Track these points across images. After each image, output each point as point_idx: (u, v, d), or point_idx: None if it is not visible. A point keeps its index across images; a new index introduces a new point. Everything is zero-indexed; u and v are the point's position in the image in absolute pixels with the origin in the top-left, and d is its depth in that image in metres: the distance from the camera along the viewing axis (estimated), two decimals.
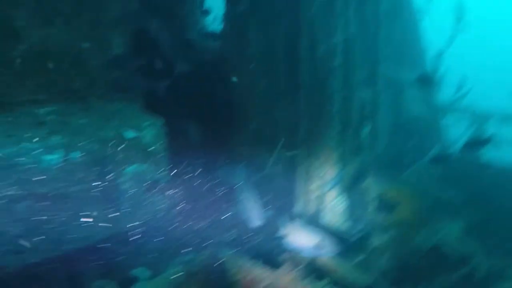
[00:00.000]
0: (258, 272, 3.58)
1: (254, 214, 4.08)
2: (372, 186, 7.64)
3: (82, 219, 3.79)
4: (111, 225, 3.96)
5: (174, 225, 4.35)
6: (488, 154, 9.36)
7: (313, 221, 6.32)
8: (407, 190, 7.53)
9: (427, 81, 6.68)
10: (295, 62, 6.41)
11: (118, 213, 4.05)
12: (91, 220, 3.90)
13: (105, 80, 4.77)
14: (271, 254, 4.90)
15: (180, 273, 3.59)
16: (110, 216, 3.99)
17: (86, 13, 4.53)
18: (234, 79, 6.53)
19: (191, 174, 4.91)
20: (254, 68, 6.59)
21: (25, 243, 3.49)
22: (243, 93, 6.68)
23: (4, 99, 4.11)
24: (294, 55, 6.39)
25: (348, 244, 5.58)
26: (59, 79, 4.50)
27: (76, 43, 4.54)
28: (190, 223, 4.49)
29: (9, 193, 3.50)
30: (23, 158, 3.59)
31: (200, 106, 6.32)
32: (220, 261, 3.75)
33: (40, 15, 4.28)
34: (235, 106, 6.63)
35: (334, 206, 6.47)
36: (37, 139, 3.73)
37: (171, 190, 4.51)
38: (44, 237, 3.60)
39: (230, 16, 6.73)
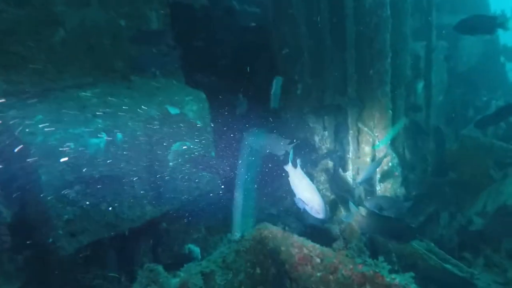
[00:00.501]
0: (310, 248, 3.46)
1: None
2: (428, 146, 7.25)
3: (131, 200, 3.81)
4: (160, 205, 3.97)
5: (223, 202, 4.31)
6: None
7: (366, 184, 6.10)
8: (468, 147, 7.06)
9: (488, 27, 5.97)
10: (341, 17, 6.00)
11: (166, 192, 4.06)
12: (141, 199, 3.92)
13: (144, 56, 4.66)
14: (323, 230, 4.78)
15: (231, 251, 3.55)
16: (158, 195, 4.00)
17: None
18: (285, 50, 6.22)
19: (237, 149, 4.81)
20: (298, 30, 6.24)
21: (78, 226, 3.57)
22: (288, 59, 6.40)
23: (49, 85, 4.12)
24: (339, 10, 5.99)
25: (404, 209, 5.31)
26: (101, 60, 4.46)
27: (114, 21, 4.44)
28: (239, 200, 4.43)
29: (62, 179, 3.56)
30: (71, 143, 3.61)
31: (243, 75, 6.14)
32: (269, 237, 3.66)
33: None
34: (280, 73, 6.39)
35: (388, 169, 6.18)
36: (82, 123, 3.74)
37: (218, 166, 4.44)
38: (97, 219, 3.67)
39: None
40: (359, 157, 6.18)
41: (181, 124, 4.20)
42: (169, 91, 4.39)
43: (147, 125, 3.98)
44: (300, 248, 3.45)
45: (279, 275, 3.52)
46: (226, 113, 5.00)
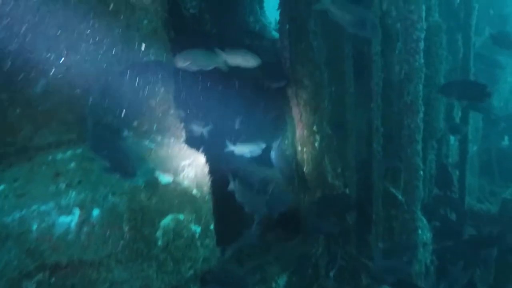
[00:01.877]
0: None
1: None
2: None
3: None
4: None
5: None
6: None
7: None
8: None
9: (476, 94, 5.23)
10: (367, 63, 5.28)
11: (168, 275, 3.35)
12: None
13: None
14: None
15: None
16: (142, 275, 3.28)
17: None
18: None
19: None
20: (317, 73, 5.53)
21: None
22: (306, 105, 5.70)
23: (24, 143, 3.50)
24: (365, 54, 5.28)
25: None
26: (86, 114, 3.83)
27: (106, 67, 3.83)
28: None
29: (19, 267, 2.89)
30: (35, 223, 2.95)
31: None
32: None
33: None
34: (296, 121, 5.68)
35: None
36: (52, 196, 3.08)
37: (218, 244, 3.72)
38: None
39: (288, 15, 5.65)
40: None
41: (173, 194, 3.50)
42: (163, 154, 3.72)
43: (132, 198, 3.29)
44: None
45: None
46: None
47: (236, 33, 8.42)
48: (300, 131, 5.66)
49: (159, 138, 3.98)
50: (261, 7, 9.93)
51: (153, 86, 4.07)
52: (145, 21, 3.96)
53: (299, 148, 5.76)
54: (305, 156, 5.78)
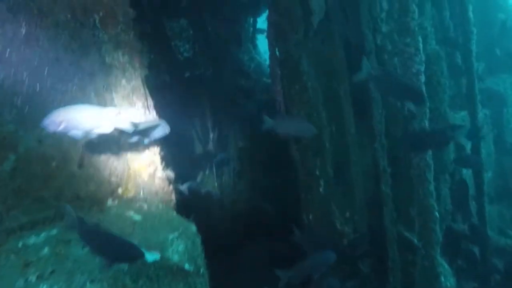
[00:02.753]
0: None
1: None
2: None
3: None
4: None
5: None
6: None
7: None
8: None
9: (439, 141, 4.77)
10: (366, 101, 4.92)
11: None
12: None
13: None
14: None
15: None
16: None
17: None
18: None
19: None
20: (315, 115, 5.15)
21: None
22: (306, 150, 5.28)
23: None
24: (364, 93, 4.92)
25: None
26: (65, 186, 3.44)
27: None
28: None
29: None
30: None
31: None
32: None
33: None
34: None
35: None
36: None
37: None
38: None
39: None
40: None
41: (162, 273, 3.05)
42: (149, 226, 3.29)
43: (114, 284, 2.84)
44: None
45: None
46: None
47: (231, 74, 8.17)
48: (302, 177, 5.23)
49: (145, 207, 3.57)
50: (254, 46, 9.73)
51: (136, 147, 3.70)
52: (123, 81, 3.62)
53: (303, 195, 5.31)
54: (309, 203, 5.33)
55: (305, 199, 5.29)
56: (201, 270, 3.29)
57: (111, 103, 3.55)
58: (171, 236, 3.21)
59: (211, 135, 7.14)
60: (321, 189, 5.25)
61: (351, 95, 4.98)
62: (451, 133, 4.29)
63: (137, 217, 3.37)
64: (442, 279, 4.65)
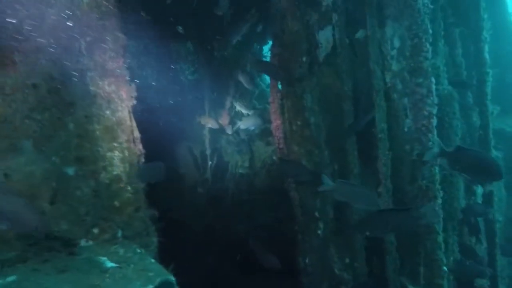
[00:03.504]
0: None
1: None
2: None
3: None
4: None
5: None
6: None
7: None
8: None
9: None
10: (371, 141, 4.53)
11: None
12: None
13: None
14: None
15: None
16: None
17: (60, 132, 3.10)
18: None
19: None
20: (317, 153, 4.76)
21: None
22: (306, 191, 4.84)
23: None
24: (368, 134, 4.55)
25: None
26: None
27: (58, 168, 3.10)
28: None
29: None
30: None
31: None
32: None
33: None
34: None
35: None
36: None
37: None
38: None
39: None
40: None
41: None
42: (121, 277, 2.88)
43: None
44: None
45: None
46: None
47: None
48: (300, 217, 4.81)
49: (121, 252, 3.17)
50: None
51: (118, 184, 3.33)
52: (108, 112, 3.28)
53: (300, 236, 4.88)
54: (307, 245, 4.89)
55: (302, 241, 4.86)
56: None
57: (92, 135, 3.20)
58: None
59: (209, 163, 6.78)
60: (319, 232, 4.83)
61: (356, 134, 4.59)
62: (417, 214, 3.93)
63: (109, 264, 2.97)
64: None
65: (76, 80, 3.10)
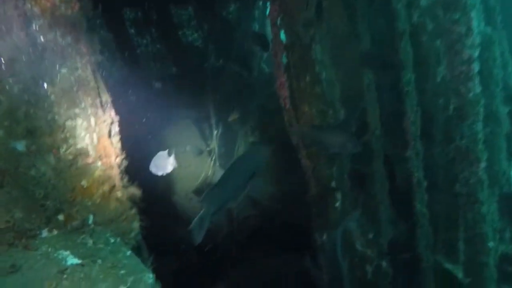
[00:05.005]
0: None
1: None
2: None
3: None
4: None
5: None
6: None
7: None
8: None
9: None
10: (396, 96, 3.68)
11: None
12: None
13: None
14: None
15: None
16: None
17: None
18: None
19: None
20: (331, 113, 3.92)
21: None
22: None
23: None
24: (393, 87, 3.70)
25: None
26: None
27: (3, 143, 2.39)
28: None
29: None
30: None
31: None
32: None
33: None
34: None
35: None
36: None
37: None
38: None
39: None
40: None
41: None
42: (84, 277, 2.17)
43: None
44: None
45: None
46: None
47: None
48: (314, 189, 4.04)
49: (90, 243, 2.46)
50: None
51: (84, 159, 2.60)
52: (64, 70, 2.52)
53: (315, 210, 4.12)
54: (323, 219, 4.13)
55: (318, 215, 4.10)
56: None
57: (45, 100, 2.45)
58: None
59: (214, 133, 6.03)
60: (337, 204, 4.05)
61: (377, 89, 3.73)
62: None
63: (72, 261, 2.27)
64: None
65: (17, 29, 2.33)
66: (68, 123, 2.57)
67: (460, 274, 3.49)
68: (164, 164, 3.56)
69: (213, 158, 6.06)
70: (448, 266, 3.56)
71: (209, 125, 6.19)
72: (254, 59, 7.19)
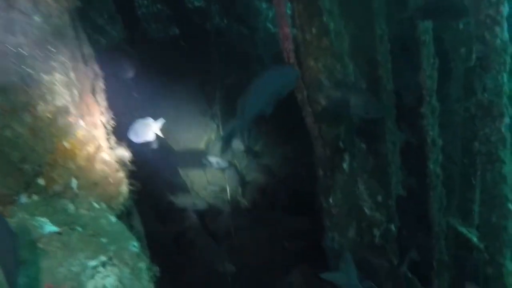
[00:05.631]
0: None
1: None
2: None
3: None
4: None
5: None
6: None
7: None
8: None
9: None
10: (411, 46, 3.28)
11: None
12: None
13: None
14: None
15: None
16: None
17: None
18: None
19: None
20: (340, 68, 3.55)
21: None
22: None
23: None
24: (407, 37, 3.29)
25: None
26: None
27: None
28: None
29: None
30: None
31: None
32: None
33: None
34: None
35: None
36: None
37: None
38: None
39: None
40: None
41: None
42: (62, 245, 1.93)
43: None
44: None
45: None
46: None
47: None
48: (320, 150, 3.73)
49: (71, 208, 2.21)
50: None
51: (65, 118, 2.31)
52: (36, 17, 2.18)
53: (321, 172, 3.83)
54: (329, 182, 3.85)
55: (324, 178, 3.81)
56: None
57: (17, 51, 2.13)
58: (92, 263, 1.85)
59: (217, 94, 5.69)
60: (345, 165, 3.75)
61: (390, 41, 3.33)
62: None
63: (49, 228, 2.03)
64: None
65: None
66: (45, 78, 2.26)
67: (474, 238, 3.21)
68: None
69: (217, 122, 5.77)
70: (462, 229, 3.28)
71: (212, 89, 5.85)
72: (259, 17, 6.73)
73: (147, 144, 3.70)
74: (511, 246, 3.05)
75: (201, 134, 5.56)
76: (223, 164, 5.12)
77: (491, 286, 3.13)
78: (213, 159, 5.31)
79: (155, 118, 3.51)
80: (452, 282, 3.45)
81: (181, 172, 5.54)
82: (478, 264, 3.14)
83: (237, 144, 5.74)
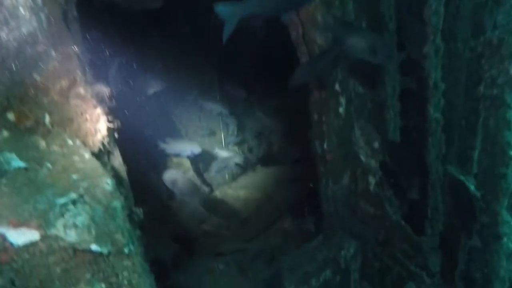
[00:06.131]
0: None
1: None
2: None
3: None
4: None
5: None
6: None
7: None
8: None
9: None
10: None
11: None
12: None
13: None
14: None
15: None
16: None
17: None
18: None
19: None
20: (338, 3, 3.25)
21: None
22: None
23: None
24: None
25: None
26: None
27: None
28: None
29: None
30: None
31: None
32: None
33: None
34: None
35: None
36: None
37: None
38: None
39: None
40: None
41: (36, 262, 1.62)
42: (29, 182, 1.78)
43: None
44: None
45: None
46: None
47: None
48: (315, 94, 3.52)
49: (42, 144, 2.04)
50: None
51: (34, 47, 2.09)
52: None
53: (315, 117, 3.64)
54: (324, 127, 3.67)
55: (317, 122, 3.62)
56: (127, 249, 1.83)
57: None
58: (61, 201, 1.70)
59: None
60: (341, 110, 3.55)
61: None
62: None
63: (16, 163, 1.86)
64: (505, 239, 3.04)
65: None
66: (6, 1, 2.01)
67: (472, 187, 3.07)
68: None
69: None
70: (459, 177, 3.13)
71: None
72: None
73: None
74: (508, 195, 2.91)
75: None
76: (218, 109, 4.94)
77: (484, 233, 3.04)
78: (209, 105, 5.13)
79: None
80: (445, 230, 3.36)
81: (175, 118, 5.36)
82: (474, 212, 3.02)
83: (234, 92, 5.53)
